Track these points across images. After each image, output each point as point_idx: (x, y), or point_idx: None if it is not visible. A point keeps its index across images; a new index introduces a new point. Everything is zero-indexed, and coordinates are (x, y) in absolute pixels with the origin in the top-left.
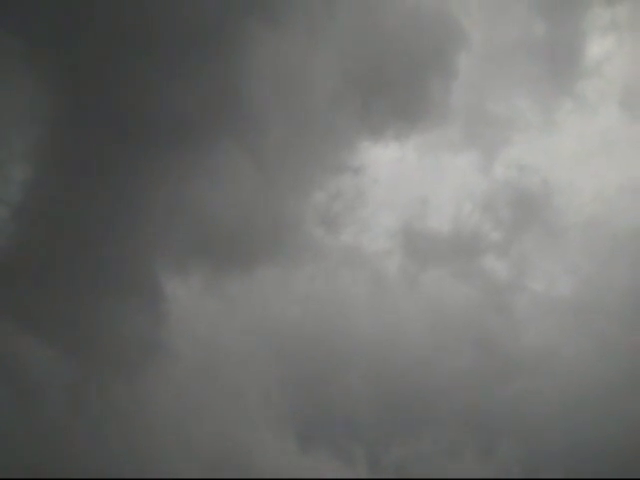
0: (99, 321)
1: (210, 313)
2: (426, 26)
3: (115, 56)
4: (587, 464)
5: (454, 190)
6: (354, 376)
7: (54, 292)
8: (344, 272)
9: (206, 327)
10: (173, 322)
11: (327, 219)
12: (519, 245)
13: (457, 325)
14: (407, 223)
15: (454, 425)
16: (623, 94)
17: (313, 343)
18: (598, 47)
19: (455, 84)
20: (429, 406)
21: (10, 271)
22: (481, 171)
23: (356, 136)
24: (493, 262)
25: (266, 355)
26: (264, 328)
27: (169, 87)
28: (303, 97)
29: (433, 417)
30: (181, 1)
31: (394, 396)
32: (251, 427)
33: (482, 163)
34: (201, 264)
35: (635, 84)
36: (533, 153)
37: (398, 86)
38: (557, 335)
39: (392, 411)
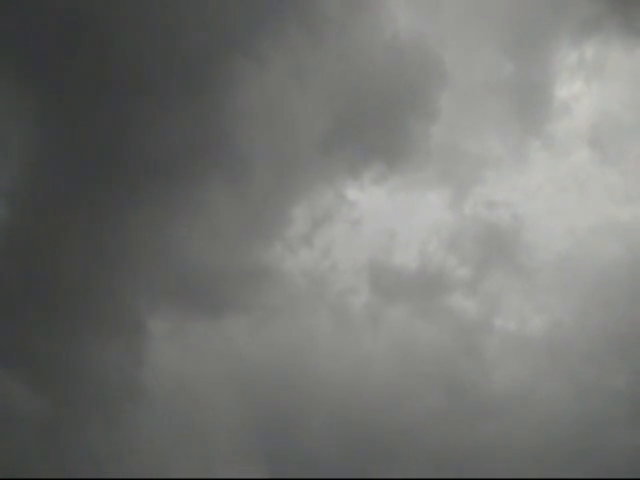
0: (76, 359)
1: (182, 355)
2: (408, 68)
3: (100, 94)
4: None
5: (424, 228)
6: (321, 416)
7: (29, 328)
8: (310, 310)
9: (178, 368)
10: (150, 363)
11: (308, 270)
12: (489, 283)
13: (425, 365)
14: (375, 261)
15: (422, 468)
16: (592, 134)
17: (280, 384)
18: (567, 87)
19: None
20: (396, 448)
21: None
22: (452, 209)
23: (341, 180)
24: (463, 301)
25: (234, 397)
26: (233, 370)
27: (154, 125)
28: (287, 138)
29: (400, 459)
30: (167, 39)
31: (361, 437)
32: (221, 467)
33: (453, 201)
34: (177, 306)
35: (604, 124)
36: (504, 191)
37: (380, 128)
38: (529, 376)
39: (359, 452)
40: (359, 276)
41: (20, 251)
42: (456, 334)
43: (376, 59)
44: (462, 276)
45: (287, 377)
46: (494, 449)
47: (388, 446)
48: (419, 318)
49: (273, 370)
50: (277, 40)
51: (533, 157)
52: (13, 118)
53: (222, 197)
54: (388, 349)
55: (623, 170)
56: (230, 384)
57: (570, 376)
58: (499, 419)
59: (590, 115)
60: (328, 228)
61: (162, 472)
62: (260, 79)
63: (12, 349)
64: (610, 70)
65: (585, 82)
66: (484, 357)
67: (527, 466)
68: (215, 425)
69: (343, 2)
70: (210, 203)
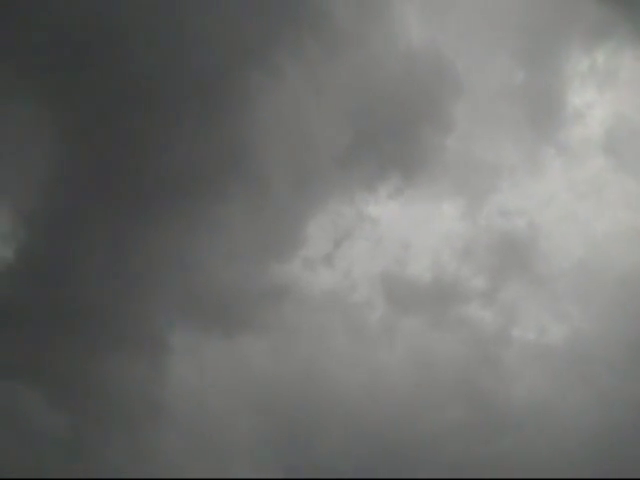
0: (97, 376)
1: (202, 372)
2: (423, 78)
3: (115, 110)
4: None
5: (439, 238)
6: (338, 430)
7: (50, 346)
8: (326, 323)
9: (199, 385)
10: (171, 380)
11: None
12: (506, 293)
13: (442, 377)
14: (390, 272)
15: None
16: (607, 140)
17: (297, 399)
18: (579, 94)
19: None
20: (414, 460)
21: (11, 325)
22: (467, 218)
23: (357, 194)
24: (479, 311)
25: (253, 413)
26: (251, 386)
27: (171, 141)
28: (304, 152)
29: (419, 472)
30: (182, 55)
31: (378, 449)
32: None
33: (468, 210)
34: (197, 323)
35: (618, 130)
36: (520, 200)
37: (396, 141)
38: (549, 386)
39: (376, 464)
40: (374, 289)
41: (39, 269)
42: (473, 345)
43: (391, 70)
44: (478, 286)
45: (304, 392)
46: (514, 461)
47: (405, 459)
48: (435, 329)
49: (290, 386)
50: (292, 53)
51: (548, 165)
52: (30, 137)
53: (240, 213)
54: (404, 361)
55: (639, 175)
56: (248, 400)
57: (592, 385)
58: (519, 430)
59: (604, 121)
60: (346, 244)
61: None
62: (276, 92)
63: (33, 366)
64: (622, 76)
65: (598, 89)
66: (503, 368)
67: (549, 478)
68: (234, 441)
69: (357, 13)
70: (228, 219)
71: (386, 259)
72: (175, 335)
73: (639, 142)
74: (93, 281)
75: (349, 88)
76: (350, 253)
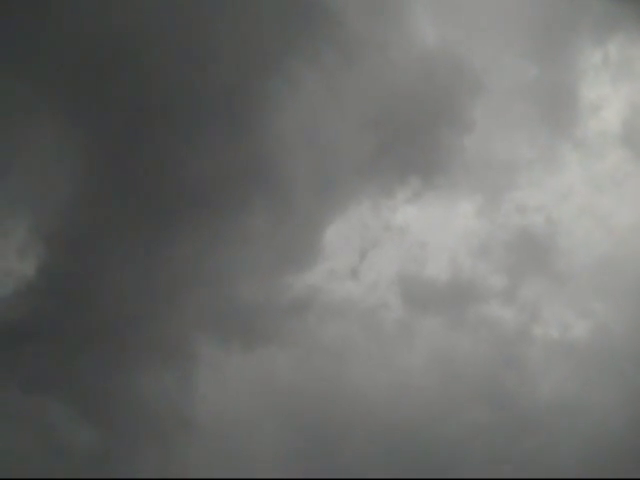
0: (124, 390)
1: (230, 385)
2: (441, 81)
3: (133, 123)
4: None
5: (457, 237)
6: (363, 436)
7: (78, 360)
8: (346, 329)
9: (228, 398)
10: (200, 394)
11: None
12: (526, 290)
13: (465, 379)
14: (408, 273)
15: None
16: (624, 132)
17: (320, 408)
18: (594, 87)
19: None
20: (440, 462)
21: (38, 341)
22: (485, 216)
23: (377, 199)
24: (500, 309)
25: (279, 425)
26: (274, 397)
27: (191, 153)
28: (324, 159)
29: (444, 474)
30: (200, 66)
31: (403, 453)
32: None
33: (486, 208)
34: (224, 336)
35: (634, 121)
36: (538, 196)
37: (416, 145)
38: (574, 384)
39: (402, 469)
40: (393, 292)
41: (62, 286)
42: (495, 344)
43: (408, 74)
44: (498, 284)
45: (328, 400)
46: (541, 461)
47: (431, 460)
48: (457, 330)
49: (314, 395)
50: (309, 61)
51: (565, 159)
52: (50, 153)
53: (262, 224)
54: (426, 363)
55: None
56: (273, 412)
57: (619, 381)
58: (545, 430)
59: (620, 113)
60: (369, 251)
61: None
62: (294, 101)
63: (62, 382)
64: (636, 67)
65: (612, 81)
66: (526, 366)
67: (576, 478)
68: (261, 453)
69: (372, 19)
70: (251, 231)
71: (405, 261)
72: (200, 348)
73: None
74: (118, 296)
75: (367, 93)
76: (372, 261)
